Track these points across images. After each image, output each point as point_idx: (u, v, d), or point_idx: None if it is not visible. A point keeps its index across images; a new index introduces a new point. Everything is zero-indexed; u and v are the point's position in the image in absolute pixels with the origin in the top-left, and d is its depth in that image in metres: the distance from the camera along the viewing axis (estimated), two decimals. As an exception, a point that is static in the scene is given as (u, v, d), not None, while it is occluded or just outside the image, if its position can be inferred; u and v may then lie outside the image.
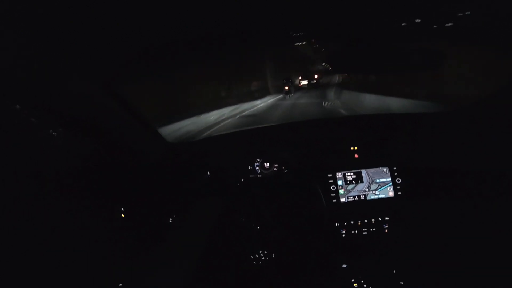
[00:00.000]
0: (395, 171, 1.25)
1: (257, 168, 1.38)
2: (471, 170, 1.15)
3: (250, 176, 1.38)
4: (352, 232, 1.27)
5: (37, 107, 0.93)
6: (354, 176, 1.28)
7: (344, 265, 1.22)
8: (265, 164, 1.38)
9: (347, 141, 1.29)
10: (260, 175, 1.38)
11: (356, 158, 1.28)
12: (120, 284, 1.10)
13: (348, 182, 1.28)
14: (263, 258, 1.28)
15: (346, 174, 1.28)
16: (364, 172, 1.27)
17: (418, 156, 1.23)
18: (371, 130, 1.31)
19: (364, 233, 1.27)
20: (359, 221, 1.27)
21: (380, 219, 1.26)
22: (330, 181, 1.27)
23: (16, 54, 0.61)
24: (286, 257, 1.27)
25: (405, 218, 1.26)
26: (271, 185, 1.35)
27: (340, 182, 1.28)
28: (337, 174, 1.28)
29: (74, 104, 0.85)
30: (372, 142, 1.28)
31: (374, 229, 1.27)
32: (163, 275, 1.07)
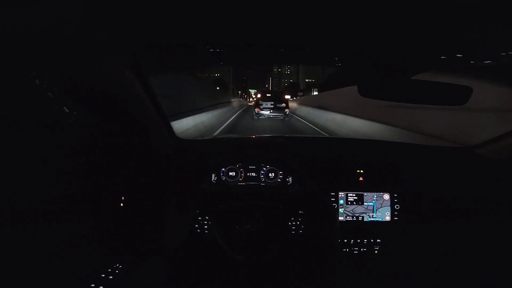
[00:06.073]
0: (396, 197, 1.31)
1: (262, 176, 1.38)
2: (473, 207, 1.21)
3: (252, 183, 1.38)
4: (344, 250, 1.29)
5: (57, 78, 0.89)
6: (356, 198, 1.32)
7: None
8: (270, 174, 1.39)
9: (354, 163, 1.33)
10: (264, 184, 1.38)
11: (360, 180, 1.32)
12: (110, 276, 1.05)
13: (349, 203, 1.32)
14: (245, 269, 1.26)
15: (348, 194, 1.32)
16: (365, 195, 1.32)
17: (421, 186, 1.28)
18: (380, 156, 1.36)
19: (355, 252, 1.30)
20: (352, 240, 1.30)
21: (372, 240, 1.30)
22: (332, 199, 1.31)
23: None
24: (269, 270, 1.26)
25: (397, 242, 1.31)
26: (271, 194, 1.35)
27: (341, 202, 1.31)
28: (339, 193, 1.32)
29: (95, 75, 0.81)
30: (378, 168, 1.32)
31: (365, 249, 1.31)
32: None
